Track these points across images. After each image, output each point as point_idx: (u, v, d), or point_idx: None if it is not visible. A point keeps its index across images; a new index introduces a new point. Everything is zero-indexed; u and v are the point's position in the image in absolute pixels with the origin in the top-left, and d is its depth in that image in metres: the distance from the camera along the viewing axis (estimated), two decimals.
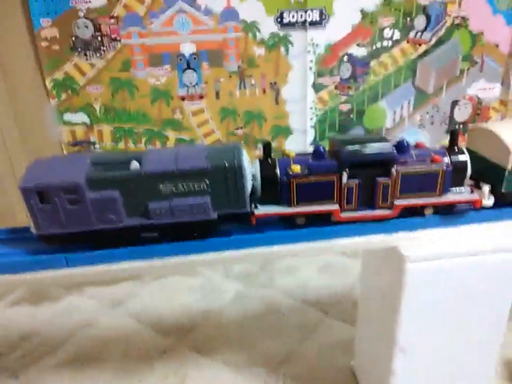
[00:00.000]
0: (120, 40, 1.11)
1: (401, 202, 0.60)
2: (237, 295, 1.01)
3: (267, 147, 0.60)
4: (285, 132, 1.29)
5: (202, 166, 0.55)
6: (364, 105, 1.32)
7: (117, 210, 0.55)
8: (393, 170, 0.59)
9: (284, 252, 0.60)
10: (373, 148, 0.58)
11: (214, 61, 1.16)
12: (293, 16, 1.15)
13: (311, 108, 1.28)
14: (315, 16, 1.17)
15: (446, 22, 1.28)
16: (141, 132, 1.20)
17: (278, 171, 0.59)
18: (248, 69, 1.19)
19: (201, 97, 1.19)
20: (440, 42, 1.30)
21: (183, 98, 1.19)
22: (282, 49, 1.19)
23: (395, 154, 0.59)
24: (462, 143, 0.65)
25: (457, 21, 1.29)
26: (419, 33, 1.28)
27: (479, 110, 1.43)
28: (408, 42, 1.28)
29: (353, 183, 0.59)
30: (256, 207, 0.59)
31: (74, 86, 1.13)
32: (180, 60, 1.14)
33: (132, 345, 0.90)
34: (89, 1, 1.05)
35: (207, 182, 0.56)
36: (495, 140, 0.62)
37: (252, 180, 0.58)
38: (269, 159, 0.60)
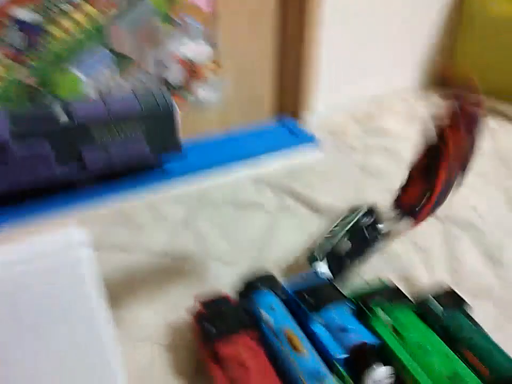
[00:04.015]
0: None
1: None
2: None
3: None
4: None
5: (136, 108, 0.56)
6: (52, 75, 1.19)
7: (48, 164, 0.53)
8: None
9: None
10: None
11: None
12: None
13: None
14: None
15: None
16: None
17: None
18: None
19: None
20: (131, 4, 1.21)
21: None
22: None
23: None
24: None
25: None
26: None
27: (194, 70, 1.43)
28: (92, 5, 1.16)
29: None
30: None
31: None
32: None
33: None
34: None
35: (142, 125, 0.56)
36: None
37: None
38: None
